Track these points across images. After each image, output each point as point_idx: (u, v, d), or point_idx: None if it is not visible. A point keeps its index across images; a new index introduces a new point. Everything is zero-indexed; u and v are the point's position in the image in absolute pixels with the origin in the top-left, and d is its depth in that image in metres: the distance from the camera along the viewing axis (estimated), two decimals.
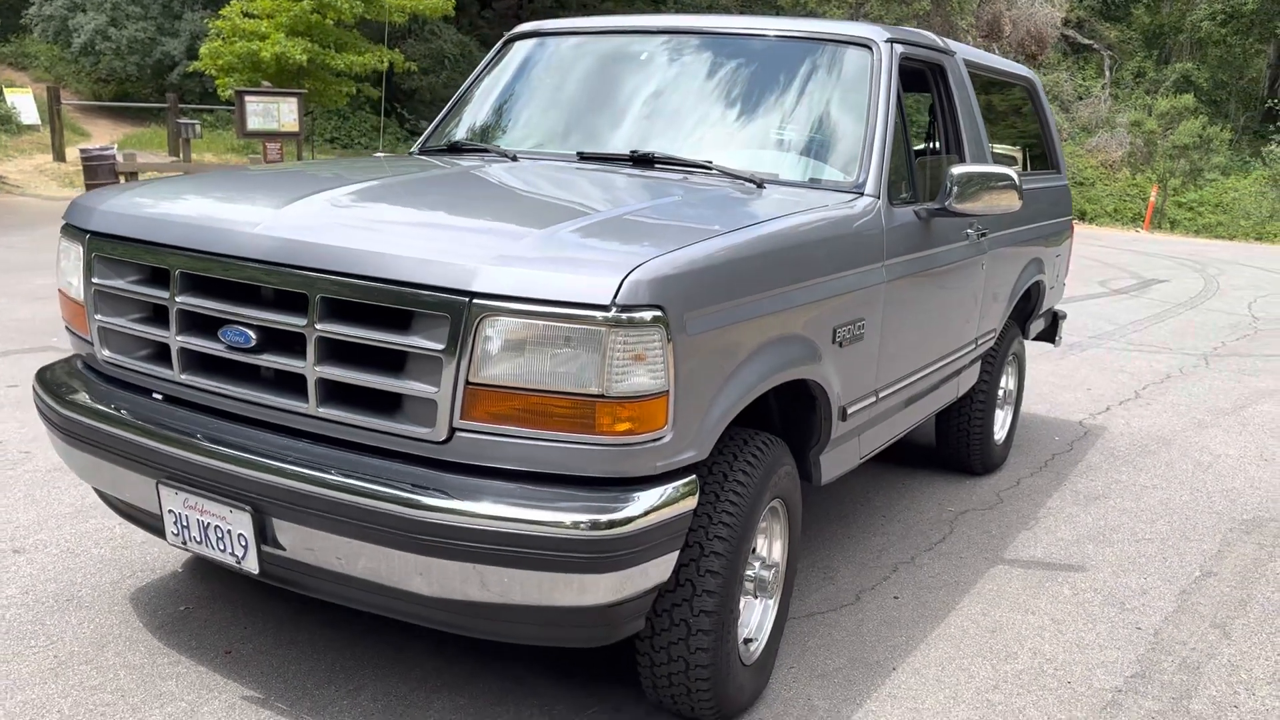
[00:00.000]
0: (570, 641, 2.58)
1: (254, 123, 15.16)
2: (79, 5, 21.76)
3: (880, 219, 3.36)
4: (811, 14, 25.45)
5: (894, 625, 3.56)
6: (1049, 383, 7.35)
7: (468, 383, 2.29)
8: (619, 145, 3.65)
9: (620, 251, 2.43)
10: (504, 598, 2.35)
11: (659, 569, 2.43)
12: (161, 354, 2.78)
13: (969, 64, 4.55)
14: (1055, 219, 5.51)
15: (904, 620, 3.61)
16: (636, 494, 2.33)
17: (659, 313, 2.27)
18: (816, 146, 3.57)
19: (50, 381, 3.01)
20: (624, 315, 2.22)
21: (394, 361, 2.41)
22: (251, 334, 2.53)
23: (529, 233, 2.53)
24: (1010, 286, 4.89)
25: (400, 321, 2.37)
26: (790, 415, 3.20)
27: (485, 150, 3.88)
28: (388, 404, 2.43)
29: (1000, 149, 5.52)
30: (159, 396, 2.80)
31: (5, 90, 20.22)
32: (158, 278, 2.74)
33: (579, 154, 3.64)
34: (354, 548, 2.40)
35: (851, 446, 3.49)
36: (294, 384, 2.53)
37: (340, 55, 18.52)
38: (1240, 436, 6.26)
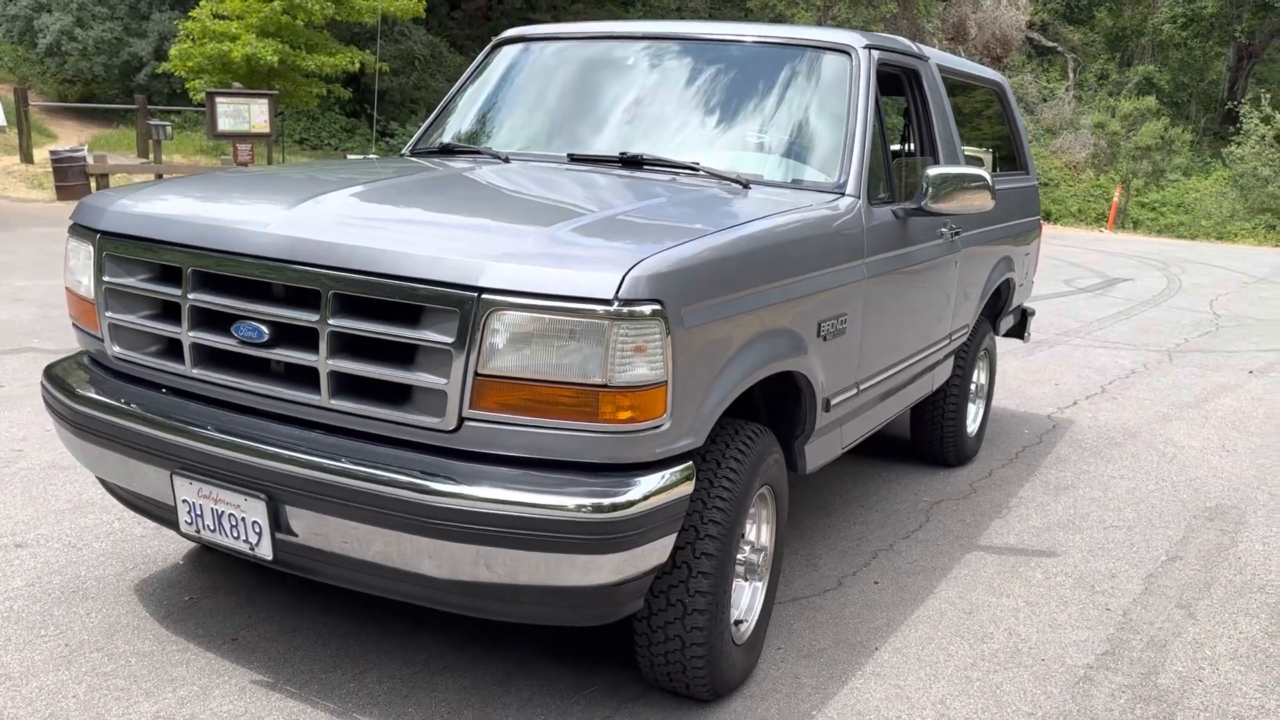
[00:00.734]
0: (574, 620, 2.69)
1: (224, 124, 15.16)
2: (44, 5, 21.50)
3: (861, 218, 3.50)
4: (780, 17, 25.63)
5: (875, 608, 3.71)
6: (1018, 378, 7.55)
7: (476, 374, 2.40)
8: (608, 147, 3.77)
9: (620, 249, 2.56)
10: (512, 579, 2.47)
11: (658, 550, 2.55)
12: (172, 349, 2.87)
13: (942, 69, 4.71)
14: (1024, 219, 5.69)
15: (885, 603, 3.75)
16: (637, 479, 2.46)
17: (658, 306, 2.39)
18: (799, 148, 3.71)
19: (59, 377, 3.09)
20: (625, 309, 2.34)
21: (404, 354, 2.51)
22: (264, 329, 2.62)
23: (532, 231, 2.65)
24: (982, 284, 5.06)
25: (410, 316, 2.48)
26: (777, 407, 3.33)
27: (477, 152, 3.98)
28: (398, 395, 2.54)
29: (968, 151, 5.69)
30: (166, 390, 2.88)
31: None
32: (169, 276, 2.82)
33: (569, 156, 3.76)
34: (366, 532, 2.50)
35: (834, 437, 3.63)
36: (306, 377, 2.63)
37: (311, 56, 18.51)
38: (1203, 429, 6.47)
